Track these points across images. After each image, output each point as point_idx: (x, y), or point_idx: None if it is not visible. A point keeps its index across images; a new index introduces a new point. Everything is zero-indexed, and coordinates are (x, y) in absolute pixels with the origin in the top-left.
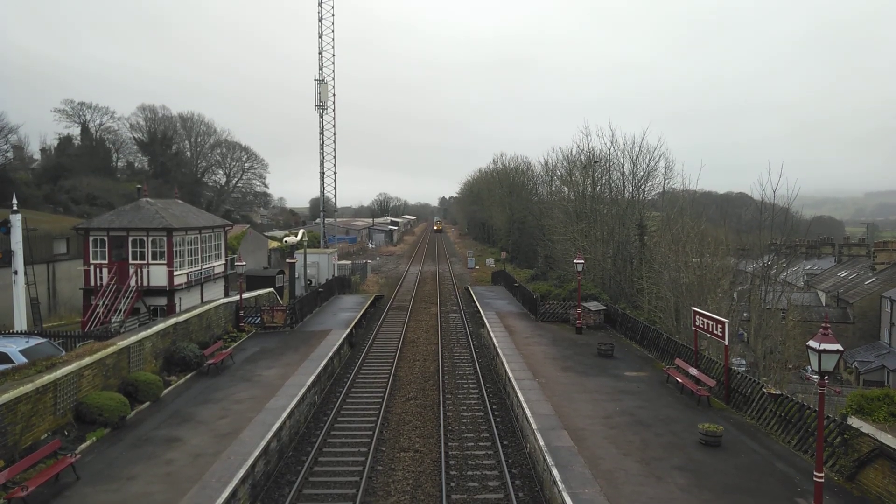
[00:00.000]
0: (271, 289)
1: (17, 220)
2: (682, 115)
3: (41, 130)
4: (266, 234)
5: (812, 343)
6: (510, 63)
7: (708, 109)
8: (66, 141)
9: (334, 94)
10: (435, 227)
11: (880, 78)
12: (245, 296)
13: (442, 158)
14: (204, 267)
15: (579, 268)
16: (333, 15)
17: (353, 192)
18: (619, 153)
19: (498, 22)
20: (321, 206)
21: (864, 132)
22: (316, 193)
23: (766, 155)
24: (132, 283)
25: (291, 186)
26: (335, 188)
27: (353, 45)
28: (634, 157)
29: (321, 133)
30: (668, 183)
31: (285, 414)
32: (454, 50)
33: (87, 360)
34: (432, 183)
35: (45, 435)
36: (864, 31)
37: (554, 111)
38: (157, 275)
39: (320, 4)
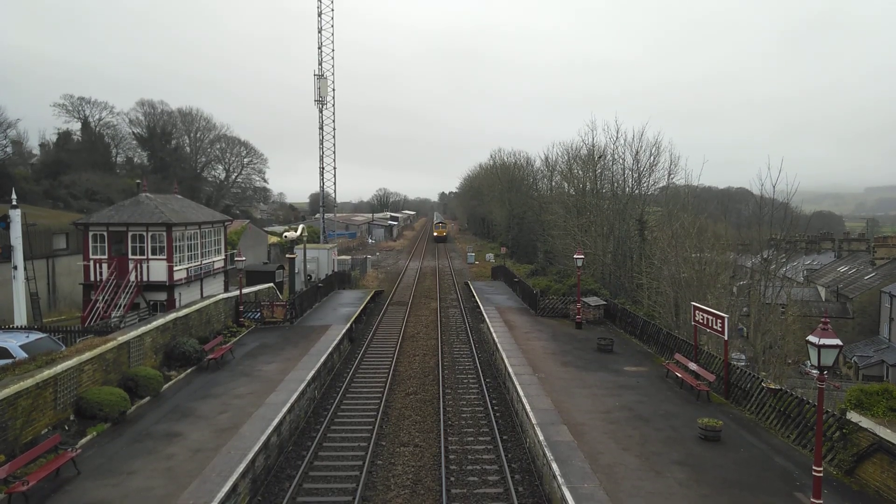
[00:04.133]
0: (271, 284)
1: (16, 216)
2: (674, 113)
3: (40, 126)
4: (266, 229)
5: (811, 338)
6: (480, 58)
7: (705, 107)
8: (65, 136)
9: (334, 90)
10: (435, 233)
11: (881, 74)
12: (245, 291)
13: (421, 152)
14: (204, 262)
15: (579, 263)
16: (333, 10)
17: (353, 187)
18: (621, 147)
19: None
20: (321, 202)
21: (864, 128)
22: (315, 188)
23: (763, 151)
24: (132, 278)
25: (291, 181)
26: (335, 183)
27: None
28: (636, 152)
29: (321, 128)
30: (673, 178)
31: (285, 409)
32: (411, 40)
33: (87, 356)
34: (412, 177)
35: (46, 430)
36: (864, 26)
37: (532, 106)
38: (157, 270)
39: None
